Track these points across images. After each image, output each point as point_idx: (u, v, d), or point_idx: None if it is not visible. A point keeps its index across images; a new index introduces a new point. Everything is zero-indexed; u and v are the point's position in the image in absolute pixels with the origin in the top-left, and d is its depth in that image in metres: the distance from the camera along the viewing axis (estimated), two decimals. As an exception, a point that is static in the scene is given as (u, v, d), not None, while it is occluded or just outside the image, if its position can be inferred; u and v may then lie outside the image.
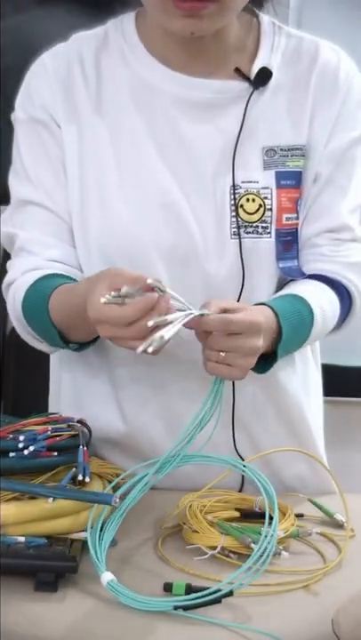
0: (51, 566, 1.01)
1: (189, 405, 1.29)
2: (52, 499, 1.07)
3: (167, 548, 1.14)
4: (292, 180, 1.29)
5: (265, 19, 1.34)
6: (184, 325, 1.07)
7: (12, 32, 2.16)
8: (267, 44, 1.31)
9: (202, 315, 1.10)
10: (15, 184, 1.33)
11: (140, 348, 1.02)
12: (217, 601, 0.97)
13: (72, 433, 1.17)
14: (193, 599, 0.97)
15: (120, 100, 1.29)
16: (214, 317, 1.10)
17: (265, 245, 1.28)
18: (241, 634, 0.94)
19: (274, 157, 1.29)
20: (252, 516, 1.18)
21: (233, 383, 1.27)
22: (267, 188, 1.28)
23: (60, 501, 1.08)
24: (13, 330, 1.34)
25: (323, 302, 1.28)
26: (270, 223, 1.28)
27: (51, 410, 1.41)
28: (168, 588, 1.01)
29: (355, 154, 1.32)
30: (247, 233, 1.27)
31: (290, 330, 1.20)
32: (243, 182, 1.27)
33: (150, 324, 1.02)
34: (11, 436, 1.12)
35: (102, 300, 1.05)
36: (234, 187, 1.27)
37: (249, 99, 1.28)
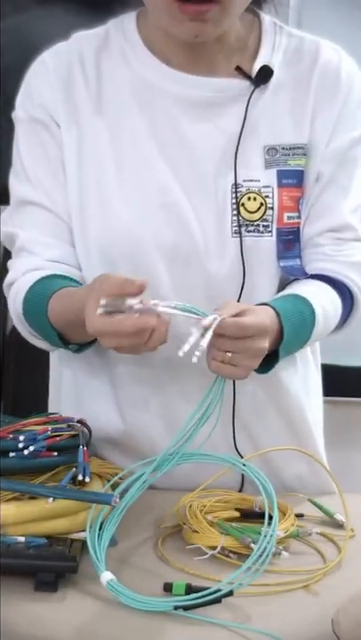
0: (51, 566, 1.01)
1: (189, 405, 1.28)
2: (51, 499, 1.07)
3: (167, 548, 1.14)
4: (293, 179, 1.29)
5: (266, 18, 1.34)
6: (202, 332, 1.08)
7: (12, 32, 2.16)
8: (268, 44, 1.31)
9: (197, 314, 1.10)
10: (15, 184, 1.33)
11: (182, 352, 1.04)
12: (217, 601, 0.97)
13: (72, 433, 1.17)
14: (193, 599, 0.97)
15: (121, 99, 1.29)
16: (230, 321, 1.10)
17: (266, 244, 1.28)
18: (241, 634, 0.94)
19: (275, 156, 1.29)
20: (252, 515, 1.18)
21: (234, 382, 1.27)
22: (268, 186, 1.28)
23: (60, 501, 1.08)
24: (14, 329, 1.34)
25: (325, 302, 1.28)
26: (271, 222, 1.28)
27: (51, 410, 1.41)
28: (168, 588, 1.01)
29: (356, 153, 1.32)
30: (248, 232, 1.27)
31: (291, 330, 1.20)
32: (244, 181, 1.27)
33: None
34: (11, 436, 1.12)
35: (98, 311, 1.05)
36: (236, 185, 1.27)
37: (250, 97, 1.28)
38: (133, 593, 0.98)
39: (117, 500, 1.06)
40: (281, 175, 1.28)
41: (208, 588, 0.98)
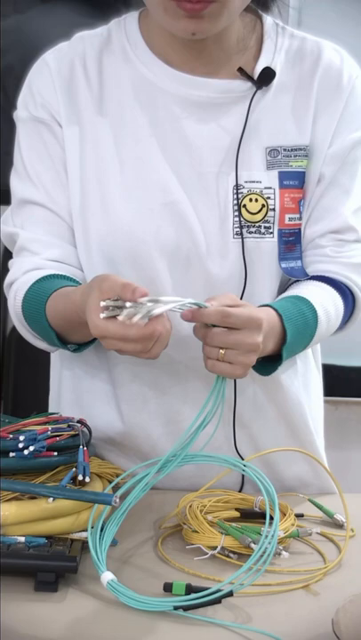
0: (51, 566, 1.01)
1: (189, 405, 1.29)
2: (52, 499, 1.07)
3: (167, 548, 1.14)
4: (295, 181, 1.29)
5: (268, 19, 1.33)
6: (183, 319, 1.06)
7: (12, 32, 2.16)
8: (270, 45, 1.31)
9: (200, 306, 1.09)
10: (16, 183, 1.33)
11: (122, 317, 1.02)
12: (217, 601, 0.97)
13: (72, 433, 1.17)
14: (193, 599, 0.97)
15: (123, 99, 1.29)
16: (212, 309, 1.09)
17: (267, 245, 1.28)
18: (241, 634, 0.94)
19: (277, 157, 1.28)
20: (253, 515, 1.18)
21: (235, 383, 1.27)
22: (270, 188, 1.28)
23: (60, 501, 1.08)
24: (13, 329, 1.34)
25: (326, 304, 1.28)
26: (273, 223, 1.28)
27: (51, 409, 1.41)
28: (168, 588, 1.01)
29: (358, 155, 1.32)
30: (250, 233, 1.27)
31: (294, 331, 1.20)
32: (246, 182, 1.27)
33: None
34: (11, 436, 1.12)
35: (102, 315, 1.05)
36: (237, 186, 1.27)
37: (252, 98, 1.28)
38: (133, 593, 0.98)
39: (118, 501, 1.06)
40: (283, 177, 1.28)
41: (208, 588, 0.98)
